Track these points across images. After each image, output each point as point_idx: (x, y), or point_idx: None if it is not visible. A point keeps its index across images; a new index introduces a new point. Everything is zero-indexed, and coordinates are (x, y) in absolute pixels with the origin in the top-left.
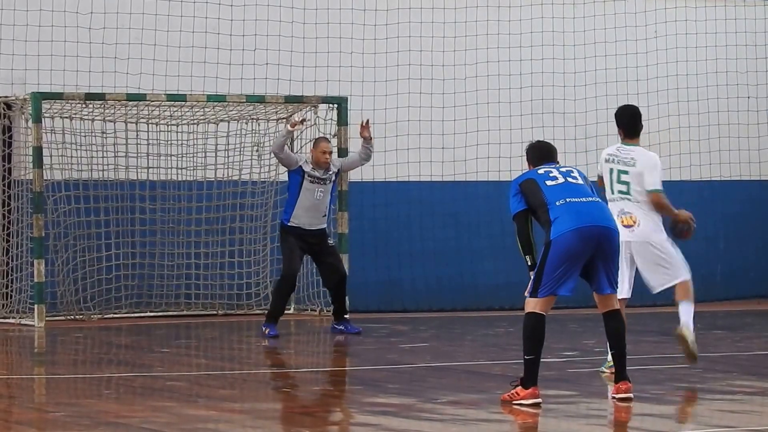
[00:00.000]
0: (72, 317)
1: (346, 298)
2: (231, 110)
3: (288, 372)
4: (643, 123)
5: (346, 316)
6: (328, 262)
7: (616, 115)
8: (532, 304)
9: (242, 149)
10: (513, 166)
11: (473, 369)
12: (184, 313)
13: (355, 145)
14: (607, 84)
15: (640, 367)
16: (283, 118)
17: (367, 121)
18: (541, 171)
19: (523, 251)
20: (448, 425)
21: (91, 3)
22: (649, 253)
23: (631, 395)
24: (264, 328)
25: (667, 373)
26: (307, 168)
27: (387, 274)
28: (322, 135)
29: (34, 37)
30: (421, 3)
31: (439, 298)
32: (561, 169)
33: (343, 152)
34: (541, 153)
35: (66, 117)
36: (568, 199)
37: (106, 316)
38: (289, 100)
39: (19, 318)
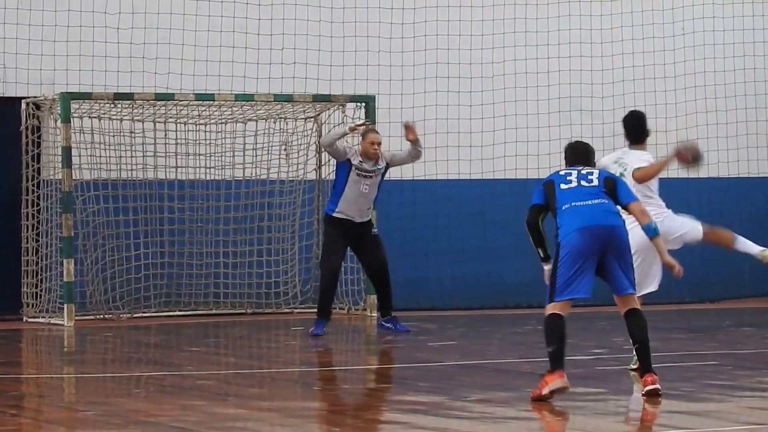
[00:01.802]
0: (101, 316)
1: (391, 291)
2: (259, 109)
3: (317, 370)
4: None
5: (393, 314)
6: (369, 252)
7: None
8: (551, 308)
9: (270, 148)
10: (540, 164)
11: (502, 367)
12: (213, 312)
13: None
14: (634, 81)
15: (668, 365)
16: (311, 117)
17: (412, 123)
18: (562, 173)
19: (534, 243)
20: (478, 423)
21: (119, 3)
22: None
23: (658, 386)
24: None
25: (696, 370)
26: (355, 161)
27: (414, 272)
28: (371, 127)
29: (63, 37)
30: (449, 1)
31: (466, 296)
32: (582, 172)
33: None
34: (575, 154)
35: (95, 117)
36: (572, 203)
37: (135, 316)
38: (317, 99)
39: (49, 317)
